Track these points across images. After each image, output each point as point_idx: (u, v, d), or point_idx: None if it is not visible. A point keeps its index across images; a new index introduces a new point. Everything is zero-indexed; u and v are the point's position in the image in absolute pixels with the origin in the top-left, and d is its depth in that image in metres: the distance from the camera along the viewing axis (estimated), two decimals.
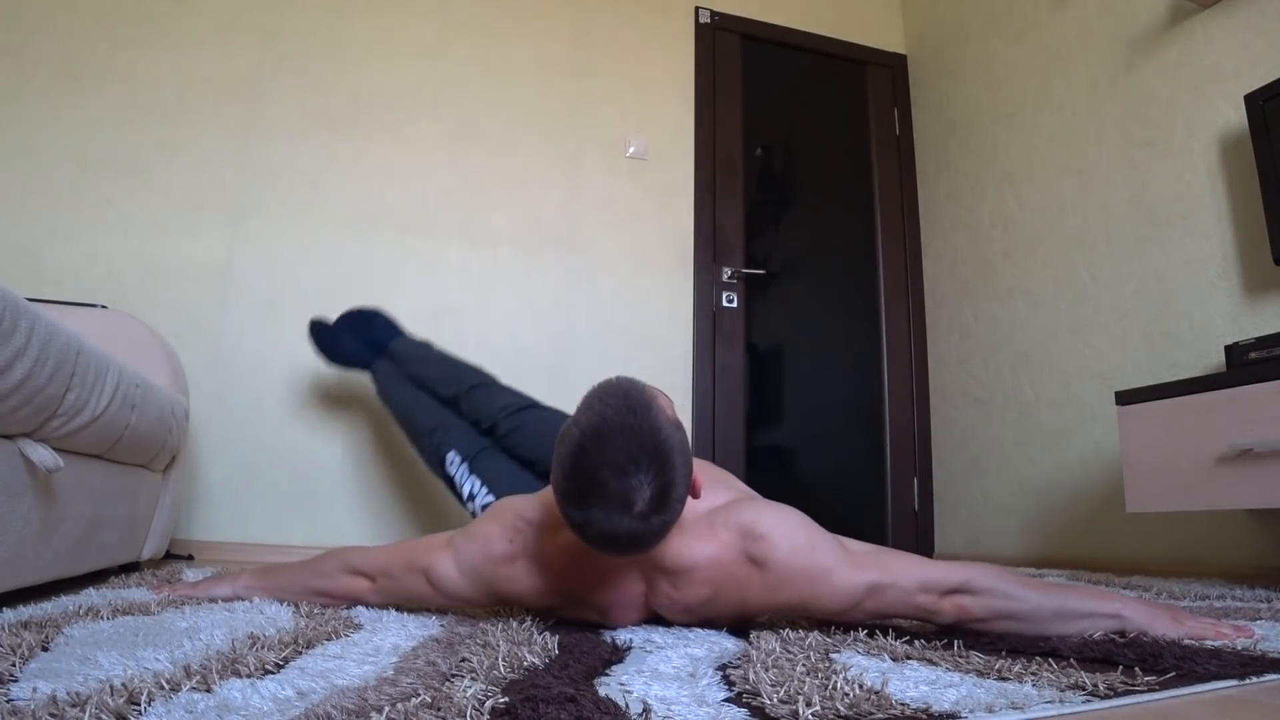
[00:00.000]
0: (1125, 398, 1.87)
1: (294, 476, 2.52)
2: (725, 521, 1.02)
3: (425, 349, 2.18)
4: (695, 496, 0.97)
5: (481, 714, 0.59)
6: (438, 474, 1.89)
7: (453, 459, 1.82)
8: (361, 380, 2.63)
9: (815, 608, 1.00)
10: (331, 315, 2.67)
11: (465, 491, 1.78)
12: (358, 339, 2.24)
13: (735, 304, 3.07)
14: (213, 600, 1.23)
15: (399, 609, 1.19)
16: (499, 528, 1.08)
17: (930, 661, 0.85)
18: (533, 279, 2.87)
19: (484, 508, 1.73)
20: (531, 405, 1.89)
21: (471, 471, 1.79)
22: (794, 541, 1.00)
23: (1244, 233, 2.07)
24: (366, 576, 1.17)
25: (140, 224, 2.51)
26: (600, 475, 0.85)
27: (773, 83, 3.51)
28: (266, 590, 1.25)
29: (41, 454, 1.11)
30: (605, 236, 2.99)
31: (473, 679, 0.71)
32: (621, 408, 0.88)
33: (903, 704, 0.66)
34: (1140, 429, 1.82)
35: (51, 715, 0.55)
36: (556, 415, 1.86)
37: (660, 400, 0.94)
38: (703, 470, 1.03)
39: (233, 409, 2.49)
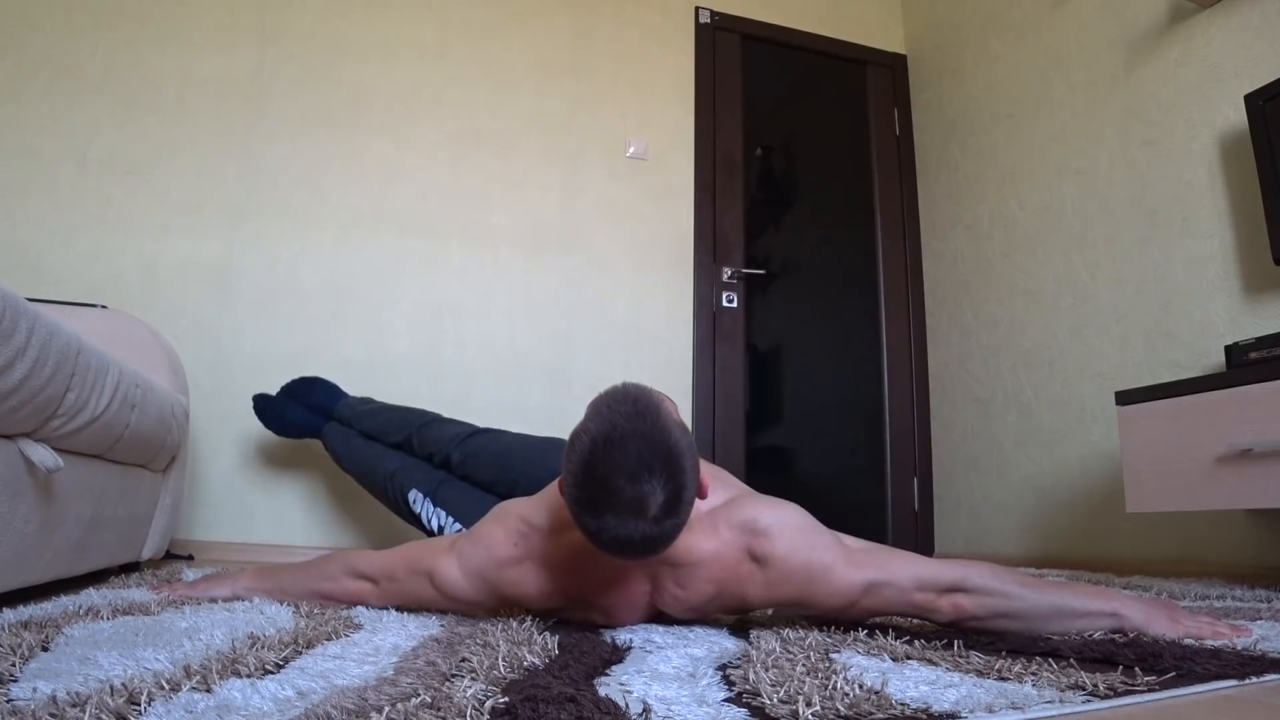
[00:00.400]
0: (1125, 398, 1.87)
1: (294, 476, 2.52)
2: (727, 519, 1.02)
3: (368, 403, 2.19)
4: (703, 498, 0.98)
5: (481, 714, 0.59)
6: (403, 515, 1.91)
7: (415, 496, 1.84)
8: (363, 377, 2.63)
9: (813, 605, 1.01)
10: (329, 317, 2.67)
11: (434, 526, 1.79)
12: (303, 407, 2.24)
13: (735, 304, 3.07)
14: (212, 600, 1.23)
15: (399, 609, 1.19)
16: (503, 531, 1.08)
17: (930, 661, 0.85)
18: (533, 279, 2.87)
19: None
20: (478, 431, 1.92)
21: (436, 505, 1.81)
22: (793, 538, 1.00)
23: (1244, 233, 2.07)
24: (369, 579, 1.17)
25: (140, 224, 2.51)
26: (614, 482, 0.86)
27: (773, 83, 3.51)
28: (267, 591, 1.25)
29: (41, 454, 1.11)
30: (605, 237, 2.99)
31: (473, 679, 0.71)
32: (631, 414, 0.89)
33: (903, 704, 0.66)
34: (1140, 429, 1.82)
35: (51, 715, 0.55)
36: (504, 435, 1.89)
37: (666, 404, 0.95)
38: (702, 469, 1.04)
39: (233, 409, 2.49)
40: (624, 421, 0.88)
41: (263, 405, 2.26)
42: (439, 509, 1.80)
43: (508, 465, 1.76)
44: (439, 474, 1.88)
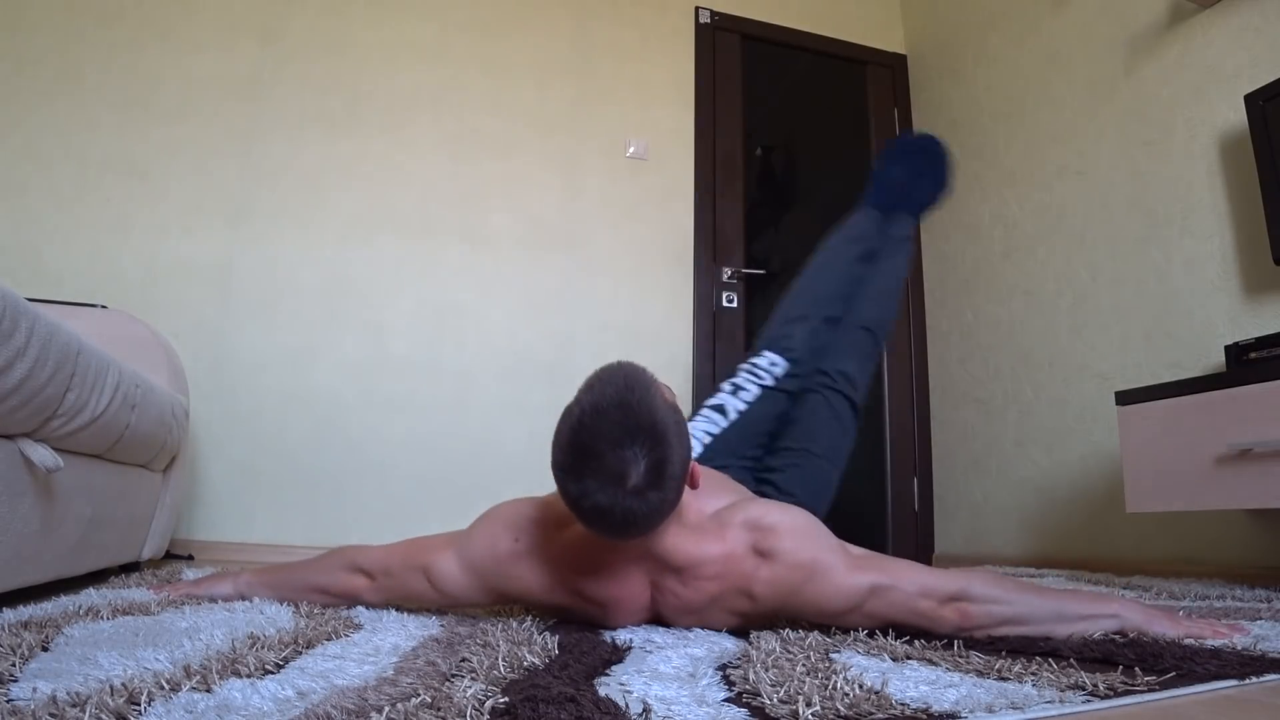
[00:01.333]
0: (1125, 398, 1.87)
1: (294, 476, 2.52)
2: (732, 519, 1.03)
3: (899, 251, 1.82)
4: (694, 486, 0.98)
5: (481, 714, 0.59)
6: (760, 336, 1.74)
7: (773, 360, 1.69)
8: (364, 377, 2.63)
9: (816, 606, 1.01)
10: (329, 317, 2.67)
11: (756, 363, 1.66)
12: (905, 186, 1.84)
13: (735, 304, 3.07)
14: (213, 600, 1.23)
15: (399, 609, 1.19)
16: (504, 526, 1.09)
17: (930, 661, 0.85)
18: (533, 279, 2.87)
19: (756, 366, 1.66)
20: (838, 412, 1.64)
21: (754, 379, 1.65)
22: (799, 535, 1.01)
23: (1244, 233, 2.07)
24: (366, 574, 1.17)
25: (140, 224, 2.51)
26: (596, 448, 0.88)
27: (773, 83, 3.51)
28: (265, 586, 1.24)
29: (41, 454, 1.11)
30: (605, 236, 2.98)
31: (473, 679, 0.71)
32: (621, 387, 0.92)
33: (903, 704, 0.66)
34: (1140, 429, 1.82)
35: (51, 715, 0.55)
36: (819, 464, 1.63)
37: (660, 385, 0.97)
38: (703, 474, 1.05)
39: (233, 409, 2.49)
40: (612, 392, 0.91)
41: (895, 148, 1.93)
42: (756, 377, 1.61)
43: (797, 494, 1.50)
44: (783, 402, 1.65)
